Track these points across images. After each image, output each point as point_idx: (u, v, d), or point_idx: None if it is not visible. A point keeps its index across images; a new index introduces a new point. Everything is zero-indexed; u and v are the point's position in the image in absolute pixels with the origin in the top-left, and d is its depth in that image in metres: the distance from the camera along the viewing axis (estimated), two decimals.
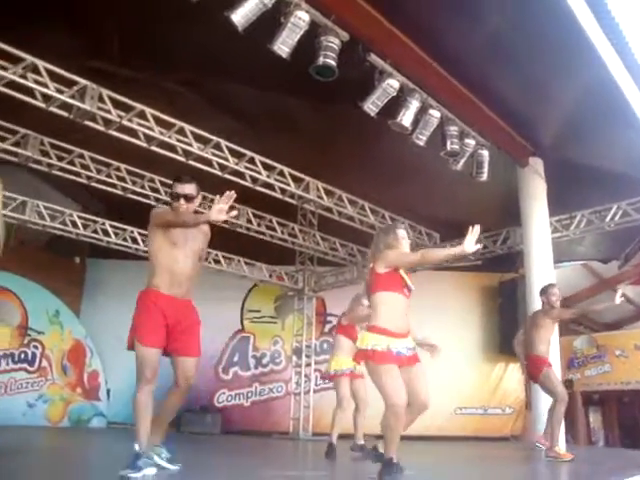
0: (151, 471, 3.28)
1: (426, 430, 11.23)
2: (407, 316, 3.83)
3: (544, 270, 7.97)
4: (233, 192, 3.41)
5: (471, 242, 3.51)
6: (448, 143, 7.03)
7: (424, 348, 4.11)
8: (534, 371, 6.06)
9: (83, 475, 3.46)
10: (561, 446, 5.84)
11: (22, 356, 11.36)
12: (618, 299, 5.87)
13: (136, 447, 3.31)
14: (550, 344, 6.18)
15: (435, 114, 6.80)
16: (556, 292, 6.18)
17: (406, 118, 6.52)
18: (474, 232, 3.52)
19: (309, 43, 5.56)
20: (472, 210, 9.97)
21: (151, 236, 3.74)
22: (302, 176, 8.90)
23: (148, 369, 3.43)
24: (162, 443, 3.71)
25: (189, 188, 3.76)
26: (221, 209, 3.34)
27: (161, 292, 3.59)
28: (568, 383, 12.59)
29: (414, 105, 6.54)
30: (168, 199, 8.93)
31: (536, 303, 7.25)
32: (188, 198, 3.73)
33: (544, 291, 6.27)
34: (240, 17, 5.04)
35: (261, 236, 10.42)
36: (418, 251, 3.85)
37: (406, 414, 3.60)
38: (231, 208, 3.39)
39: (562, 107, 7.37)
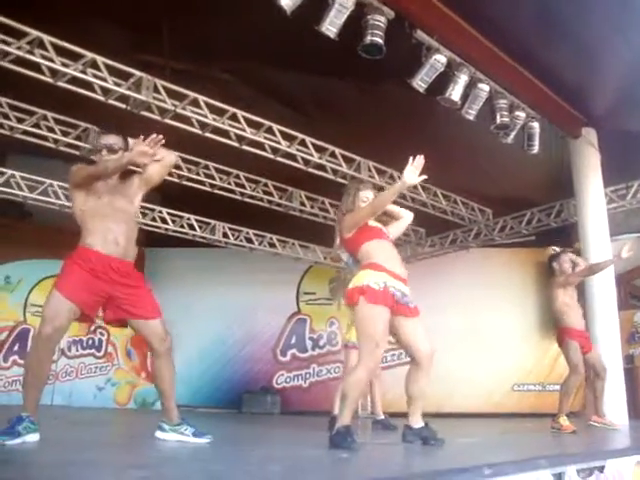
0: (34, 437, 2.97)
1: (483, 407, 11.28)
2: (400, 261, 3.65)
3: (600, 243, 7.85)
4: (161, 136, 3.25)
5: (411, 172, 3.38)
6: (498, 116, 7.00)
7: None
8: (560, 343, 6.03)
9: (145, 444, 3.51)
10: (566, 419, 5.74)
11: (90, 342, 11.93)
12: (625, 253, 5.79)
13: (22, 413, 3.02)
14: (578, 312, 6.06)
15: (484, 88, 6.78)
16: (567, 258, 6.03)
17: (455, 93, 6.53)
18: (415, 162, 3.39)
19: (355, 24, 5.64)
20: (524, 184, 9.92)
21: (73, 197, 3.50)
22: (353, 156, 8.98)
23: (56, 320, 3.08)
24: (181, 419, 3.49)
25: (112, 139, 3.52)
26: (144, 151, 3.20)
27: (95, 250, 3.29)
28: (629, 358, 12.37)
29: (462, 79, 6.55)
30: (224, 185, 9.31)
31: (593, 279, 7.18)
32: (110, 149, 3.48)
33: (556, 257, 6.13)
34: (288, 0, 5.15)
35: (314, 218, 10.56)
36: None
37: (415, 373, 3.48)
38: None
39: (615, 74, 7.22)
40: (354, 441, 3.12)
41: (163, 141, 3.27)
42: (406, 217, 4.02)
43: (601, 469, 2.58)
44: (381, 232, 3.71)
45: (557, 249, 6.88)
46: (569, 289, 6.09)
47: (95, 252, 3.26)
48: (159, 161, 3.54)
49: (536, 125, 7.52)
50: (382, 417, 6.24)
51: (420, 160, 3.41)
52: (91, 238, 3.30)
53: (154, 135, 3.23)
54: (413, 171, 3.39)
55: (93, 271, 3.22)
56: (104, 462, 2.33)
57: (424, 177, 3.49)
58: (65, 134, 8.02)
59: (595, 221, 8.02)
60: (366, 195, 3.84)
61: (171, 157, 3.68)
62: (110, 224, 3.34)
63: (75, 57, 6.52)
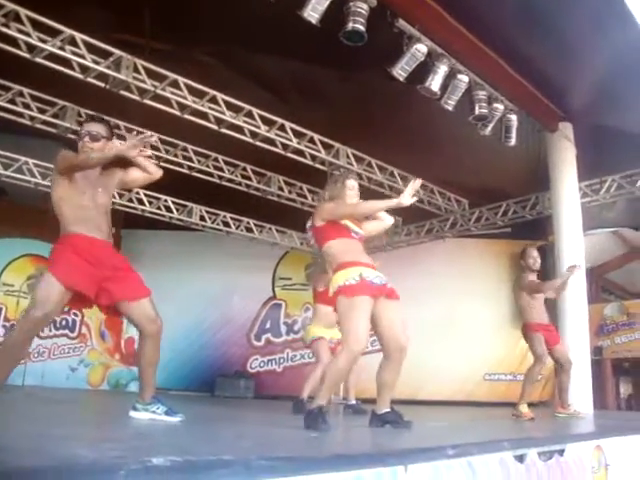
0: None
1: (455, 395, 11.45)
2: (366, 255, 3.70)
3: (573, 236, 7.97)
4: (155, 137, 3.30)
5: (408, 195, 3.42)
6: (476, 107, 7.06)
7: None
8: (524, 335, 6.18)
9: (118, 422, 3.52)
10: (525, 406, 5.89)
11: (63, 323, 11.85)
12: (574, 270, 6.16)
13: None
14: (541, 308, 6.16)
15: (463, 79, 6.83)
16: (535, 254, 6.14)
17: (435, 83, 6.57)
18: (415, 184, 3.45)
19: (337, 10, 5.65)
20: (500, 176, 10.02)
21: (55, 183, 3.47)
22: (332, 142, 9.01)
23: (47, 304, 3.13)
24: (154, 398, 3.47)
25: (96, 126, 3.51)
26: (134, 145, 3.21)
27: (82, 234, 3.32)
28: (597, 350, 12.63)
29: (442, 70, 6.58)
30: (202, 168, 9.28)
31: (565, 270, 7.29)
32: (93, 136, 3.46)
33: (523, 253, 6.24)
34: None
35: (292, 203, 10.58)
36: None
37: (388, 363, 3.54)
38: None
39: (593, 71, 7.30)
40: (326, 422, 3.19)
41: (155, 137, 3.29)
42: (386, 221, 4.05)
43: (561, 452, 2.66)
44: (348, 232, 3.70)
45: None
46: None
47: (82, 236, 3.30)
48: (147, 170, 3.61)
49: (514, 117, 7.60)
50: (354, 402, 6.32)
51: (418, 183, 3.50)
52: (75, 226, 3.33)
53: (148, 133, 3.31)
54: (411, 193, 3.45)
55: (83, 254, 3.25)
56: (76, 436, 2.35)
57: (416, 199, 3.60)
58: (42, 111, 7.91)
59: (569, 214, 8.13)
60: (352, 184, 3.87)
61: (158, 174, 3.72)
62: (91, 214, 3.39)
63: (53, 33, 6.42)
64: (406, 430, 3.42)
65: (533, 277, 6.16)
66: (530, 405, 6.02)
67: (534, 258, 6.09)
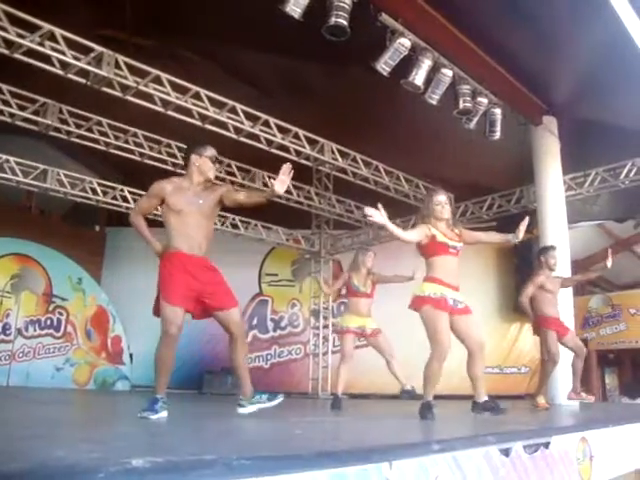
0: (164, 414, 3.41)
1: (442, 389, 11.44)
2: (457, 273, 4.13)
3: (558, 229, 8.03)
4: (290, 166, 3.46)
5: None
6: (460, 101, 7.08)
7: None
8: (536, 329, 6.21)
9: (101, 422, 3.57)
10: (542, 397, 6.08)
11: (48, 322, 11.72)
12: (609, 263, 6.02)
13: (157, 395, 3.48)
14: (556, 304, 6.20)
15: (447, 73, 6.84)
16: (555, 255, 6.21)
17: (418, 77, 6.57)
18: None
19: (320, 5, 5.62)
20: (485, 170, 10.05)
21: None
22: (317, 138, 8.99)
23: (173, 326, 3.50)
24: (254, 392, 3.77)
25: (214, 151, 3.89)
26: (283, 180, 3.41)
27: (183, 252, 3.63)
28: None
29: (426, 64, 6.58)
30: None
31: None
32: (216, 160, 3.90)
33: (544, 252, 6.26)
34: None
35: (278, 199, 10.50)
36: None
37: (472, 357, 4.08)
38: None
39: (576, 65, 7.35)
40: (433, 415, 3.82)
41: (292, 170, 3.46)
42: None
43: (546, 445, 2.66)
44: (446, 249, 4.07)
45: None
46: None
47: (183, 254, 3.62)
48: (253, 198, 3.75)
49: (498, 111, 7.62)
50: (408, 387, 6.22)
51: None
52: (176, 242, 3.65)
53: (287, 165, 3.45)
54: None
55: (186, 271, 3.59)
56: (56, 437, 2.32)
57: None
58: (22, 108, 7.82)
59: (554, 208, 8.19)
60: (438, 200, 4.11)
61: (260, 200, 3.77)
62: (191, 232, 3.67)
63: (32, 28, 6.32)
64: (503, 415, 4.01)
65: (549, 275, 6.18)
66: (517, 397, 6.09)
67: (555, 259, 6.15)
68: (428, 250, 4.08)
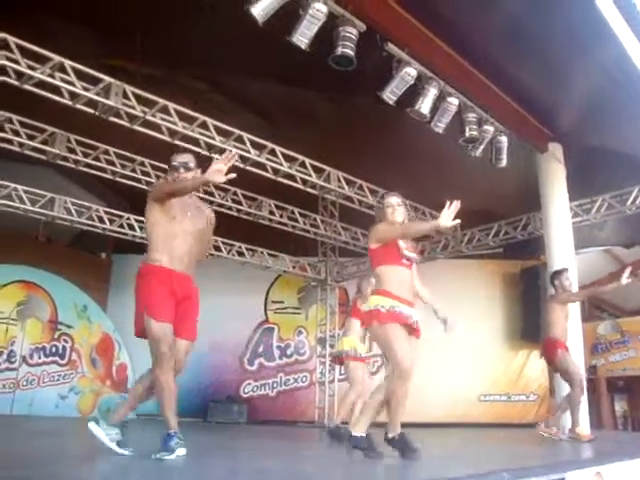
0: (182, 451, 3.15)
1: (450, 417, 11.35)
2: (411, 286, 3.84)
3: (565, 255, 7.97)
4: (235, 152, 3.34)
5: (446, 216, 3.45)
6: (467, 130, 7.10)
7: (438, 318, 4.07)
8: (549, 354, 6.13)
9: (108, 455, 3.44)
10: (584, 428, 5.94)
11: (53, 350, 11.66)
12: (625, 279, 5.90)
13: (170, 431, 3.21)
14: (566, 328, 6.19)
15: (453, 101, 6.87)
16: (569, 276, 6.22)
17: (424, 106, 6.60)
18: (451, 207, 3.46)
19: (327, 35, 5.67)
20: (492, 198, 10.04)
21: (148, 210, 3.58)
22: (323, 166, 9.01)
23: (163, 344, 3.24)
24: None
25: (187, 157, 3.72)
26: (219, 169, 3.21)
27: (163, 266, 3.43)
28: (592, 369, 12.60)
29: (432, 93, 6.62)
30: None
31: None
32: (187, 167, 3.63)
33: (557, 275, 6.31)
34: (260, 10, 5.16)
35: (283, 227, 10.54)
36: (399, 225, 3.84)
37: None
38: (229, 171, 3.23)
39: (581, 92, 7.37)
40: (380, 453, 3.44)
41: (236, 157, 3.34)
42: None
43: None
44: (398, 258, 3.77)
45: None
46: (566, 306, 6.26)
47: (162, 268, 3.42)
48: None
49: (504, 139, 7.63)
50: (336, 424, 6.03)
51: (456, 205, 3.48)
52: (158, 254, 3.46)
53: (232, 152, 3.32)
54: (449, 215, 3.47)
55: (168, 286, 3.40)
56: (58, 476, 2.27)
57: (458, 221, 3.55)
58: (31, 138, 7.87)
59: (560, 234, 8.15)
60: (391, 202, 3.90)
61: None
62: (176, 243, 3.50)
63: (42, 60, 6.40)
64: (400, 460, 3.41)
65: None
66: (526, 426, 5.99)
67: (569, 280, 6.13)
68: (377, 255, 3.81)
